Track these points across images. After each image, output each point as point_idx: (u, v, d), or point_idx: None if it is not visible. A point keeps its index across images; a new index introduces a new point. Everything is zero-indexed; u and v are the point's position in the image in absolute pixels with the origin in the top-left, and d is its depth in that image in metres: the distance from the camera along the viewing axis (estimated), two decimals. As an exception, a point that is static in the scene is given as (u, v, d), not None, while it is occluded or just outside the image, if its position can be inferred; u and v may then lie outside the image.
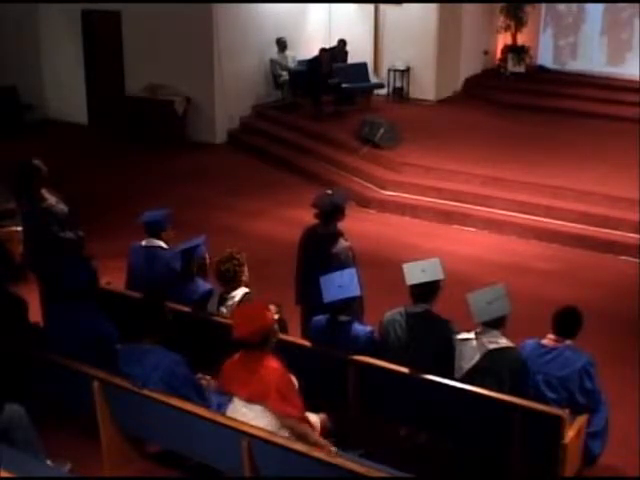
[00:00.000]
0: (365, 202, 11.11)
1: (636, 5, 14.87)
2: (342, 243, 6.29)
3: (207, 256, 6.39)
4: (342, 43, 15.09)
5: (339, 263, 6.06)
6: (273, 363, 4.63)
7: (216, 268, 5.82)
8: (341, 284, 5.41)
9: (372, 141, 12.17)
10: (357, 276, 5.60)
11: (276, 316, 6.07)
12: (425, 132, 13.04)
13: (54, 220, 6.71)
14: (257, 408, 4.61)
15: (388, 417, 5.54)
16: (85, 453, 5.26)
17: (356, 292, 5.46)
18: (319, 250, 6.22)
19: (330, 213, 6.32)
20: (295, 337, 5.90)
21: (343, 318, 5.45)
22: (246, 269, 5.85)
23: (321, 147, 12.86)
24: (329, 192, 6.68)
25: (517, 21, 16.02)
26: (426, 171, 11.35)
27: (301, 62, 14.80)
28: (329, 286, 5.41)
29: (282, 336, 5.57)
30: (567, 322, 5.15)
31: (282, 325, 6.04)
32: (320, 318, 5.57)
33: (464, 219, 10.39)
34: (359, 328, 5.49)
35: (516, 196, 10.43)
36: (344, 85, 14.00)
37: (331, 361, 5.42)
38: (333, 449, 4.73)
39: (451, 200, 10.73)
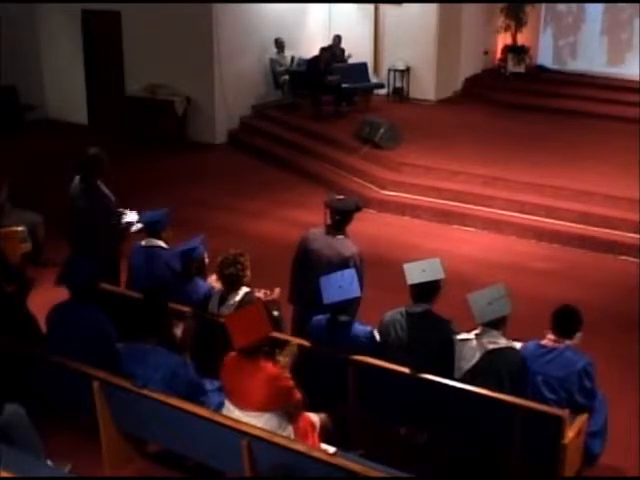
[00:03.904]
0: (365, 202, 11.06)
1: (636, 5, 14.87)
2: (354, 247, 6.25)
3: (206, 256, 6.39)
4: (337, 39, 15.10)
5: (352, 267, 6.04)
6: (269, 368, 4.65)
7: (219, 270, 5.80)
8: (341, 285, 5.41)
9: (372, 141, 12.17)
10: (362, 278, 5.60)
11: (275, 313, 6.11)
12: (425, 132, 13.04)
13: (108, 207, 7.19)
14: (253, 414, 4.65)
15: (388, 417, 5.54)
16: (85, 453, 5.27)
17: (356, 293, 5.46)
18: (331, 254, 6.17)
19: (345, 217, 6.32)
20: (290, 336, 5.89)
21: (343, 318, 5.45)
22: (249, 271, 5.85)
23: (321, 147, 12.86)
24: (341, 197, 6.71)
25: (517, 21, 16.04)
26: (426, 171, 11.35)
27: (301, 62, 14.82)
28: (329, 287, 5.41)
29: (282, 336, 5.59)
30: (566, 322, 5.14)
31: (279, 323, 6.06)
32: (320, 318, 5.57)
33: (464, 219, 10.39)
34: (359, 328, 5.49)
35: (516, 196, 10.43)
36: (344, 85, 14.00)
37: (331, 361, 5.42)
38: (332, 449, 4.75)
39: (451, 200, 10.73)
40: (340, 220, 6.29)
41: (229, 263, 5.72)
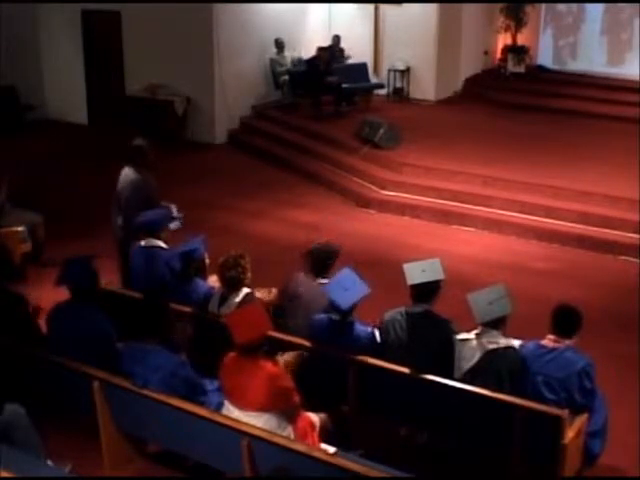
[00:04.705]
0: (365, 202, 11.11)
1: (636, 5, 14.87)
2: None
3: (206, 257, 6.39)
4: (337, 39, 15.11)
5: None
6: (269, 367, 4.65)
7: (220, 272, 5.79)
8: (346, 287, 5.39)
9: (372, 141, 12.17)
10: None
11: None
12: (425, 132, 13.04)
13: (150, 197, 7.44)
14: (252, 414, 4.66)
15: (388, 417, 5.54)
16: (85, 453, 5.26)
17: (367, 290, 5.44)
18: (319, 299, 5.83)
19: (329, 262, 6.04)
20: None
21: (349, 319, 5.46)
22: (250, 273, 5.84)
23: (321, 147, 12.86)
24: (319, 243, 6.22)
25: (517, 21, 16.04)
26: (426, 171, 11.35)
27: (300, 62, 14.80)
28: (336, 293, 5.36)
29: (282, 336, 5.59)
30: (566, 322, 5.14)
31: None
32: (322, 317, 5.56)
33: (464, 219, 10.39)
34: (361, 329, 5.49)
35: (516, 196, 10.43)
36: (344, 85, 13.99)
37: (331, 361, 5.42)
38: (332, 449, 4.75)
39: (451, 200, 10.73)
40: (325, 265, 6.00)
41: (230, 266, 5.72)
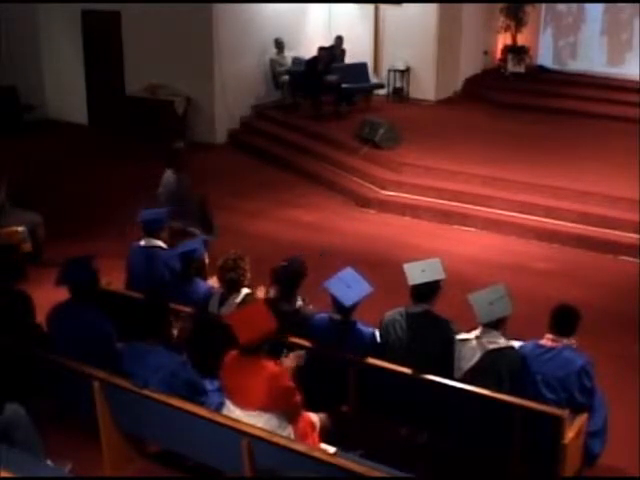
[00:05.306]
0: (365, 202, 11.11)
1: (636, 5, 14.86)
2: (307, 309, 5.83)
3: (206, 257, 6.39)
4: (339, 40, 15.09)
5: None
6: (270, 367, 4.65)
7: (219, 273, 5.79)
8: (348, 285, 5.39)
9: (372, 141, 12.17)
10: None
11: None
12: (425, 132, 13.04)
13: (182, 195, 8.07)
14: (253, 414, 4.65)
15: (388, 417, 5.54)
16: (85, 453, 5.26)
17: (369, 289, 5.43)
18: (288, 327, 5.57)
19: (292, 282, 5.76)
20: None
21: (351, 319, 5.46)
22: (249, 274, 5.84)
23: (321, 147, 12.86)
24: (284, 264, 5.84)
25: (517, 21, 16.03)
26: (426, 171, 11.35)
27: (298, 61, 14.80)
28: (339, 291, 5.36)
29: (290, 337, 5.58)
30: (565, 321, 5.14)
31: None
32: (323, 317, 5.55)
33: (464, 219, 10.39)
34: (362, 329, 5.49)
35: (516, 196, 10.43)
36: (344, 85, 13.99)
37: (331, 361, 5.42)
38: (332, 449, 4.75)
39: (451, 200, 10.73)
40: (290, 287, 5.74)
41: (229, 268, 5.72)
